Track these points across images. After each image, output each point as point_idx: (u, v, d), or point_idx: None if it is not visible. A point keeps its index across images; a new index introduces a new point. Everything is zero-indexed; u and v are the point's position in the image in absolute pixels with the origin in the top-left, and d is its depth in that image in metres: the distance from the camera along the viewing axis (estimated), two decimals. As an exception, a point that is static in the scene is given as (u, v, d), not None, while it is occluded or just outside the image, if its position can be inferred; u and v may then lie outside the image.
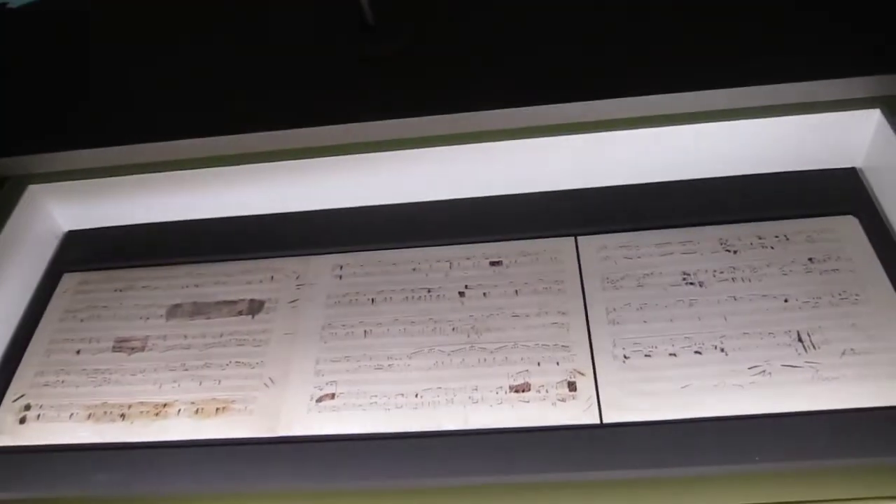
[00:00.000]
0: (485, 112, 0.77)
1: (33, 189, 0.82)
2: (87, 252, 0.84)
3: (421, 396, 0.66)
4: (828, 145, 0.77)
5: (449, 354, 0.69)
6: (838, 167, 0.78)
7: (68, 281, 0.81)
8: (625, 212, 0.77)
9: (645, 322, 0.69)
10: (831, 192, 0.76)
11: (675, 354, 0.66)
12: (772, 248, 0.73)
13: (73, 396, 0.71)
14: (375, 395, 0.67)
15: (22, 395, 0.72)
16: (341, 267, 0.77)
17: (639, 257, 0.74)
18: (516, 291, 0.73)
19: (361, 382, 0.68)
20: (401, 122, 0.78)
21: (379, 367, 0.69)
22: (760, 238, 0.74)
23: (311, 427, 0.66)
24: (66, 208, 0.85)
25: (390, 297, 0.74)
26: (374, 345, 0.70)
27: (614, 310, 0.70)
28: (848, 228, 0.73)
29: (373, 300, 0.74)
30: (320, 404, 0.67)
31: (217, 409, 0.68)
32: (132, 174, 0.81)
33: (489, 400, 0.65)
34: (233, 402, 0.68)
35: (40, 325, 0.77)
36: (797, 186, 0.77)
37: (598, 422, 0.63)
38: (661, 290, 0.71)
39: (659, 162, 0.78)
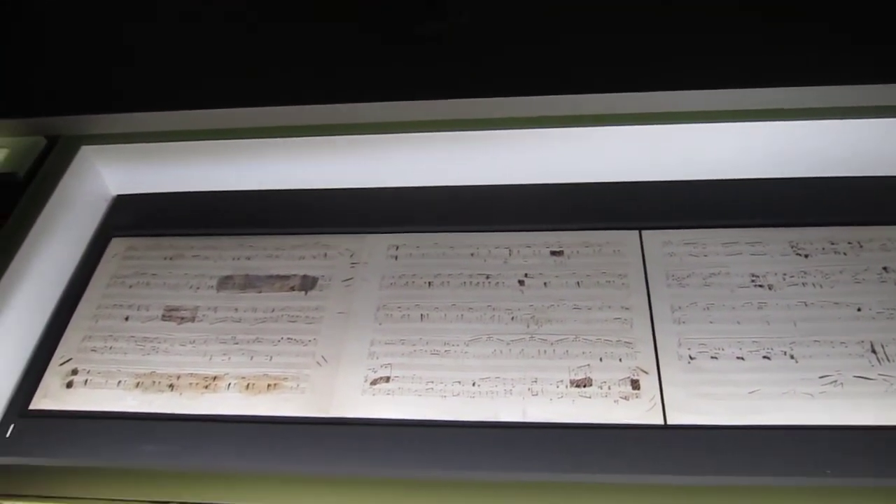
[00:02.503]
0: (553, 97, 0.75)
1: (86, 150, 0.81)
2: (136, 217, 0.82)
3: (478, 385, 0.64)
4: (906, 151, 0.74)
5: (508, 344, 0.67)
6: (915, 174, 0.76)
7: (117, 246, 0.80)
8: (691, 207, 0.75)
9: (711, 322, 0.67)
10: (908, 200, 0.73)
11: (742, 358, 0.64)
12: (844, 254, 0.70)
13: (121, 364, 0.70)
14: (431, 381, 0.65)
15: (69, 360, 0.71)
16: (397, 247, 0.76)
17: (705, 255, 0.72)
18: (578, 283, 0.71)
19: (417, 367, 0.66)
20: (465, 103, 0.76)
21: (435, 353, 0.67)
22: (833, 243, 0.71)
23: (364, 410, 0.64)
24: (117, 172, 0.83)
25: (447, 282, 0.72)
26: (431, 329, 0.69)
27: (679, 308, 0.68)
28: (924, 238, 0.71)
29: (429, 283, 0.72)
30: (374, 387, 0.65)
31: (268, 385, 0.66)
32: (186, 140, 0.79)
33: (549, 393, 0.63)
34: (284, 379, 0.67)
35: (88, 290, 0.76)
36: (872, 192, 0.75)
37: (662, 423, 0.61)
38: (729, 290, 0.69)
39: (729, 158, 0.76)
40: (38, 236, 0.73)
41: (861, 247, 0.71)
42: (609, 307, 0.69)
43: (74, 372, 0.69)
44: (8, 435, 0.66)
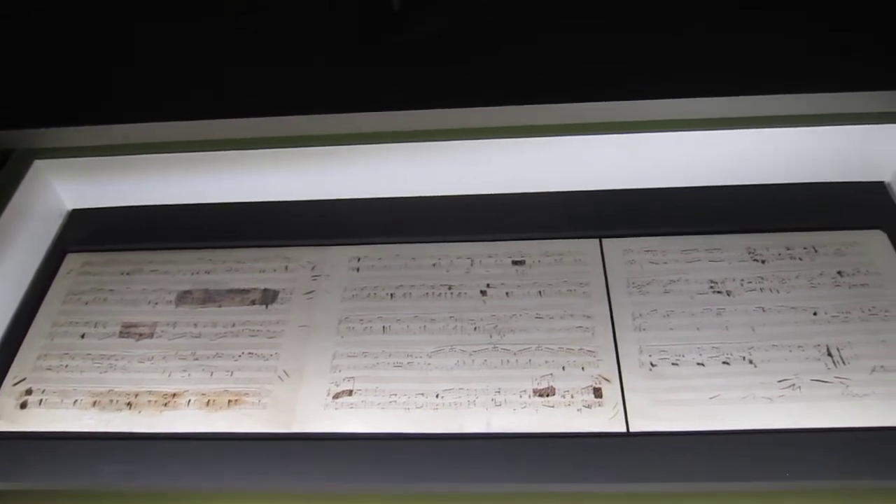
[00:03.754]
0: (512, 107, 0.75)
1: (39, 164, 0.79)
2: (92, 232, 0.81)
3: (442, 397, 0.64)
4: (858, 158, 0.76)
5: (471, 354, 0.67)
6: (867, 180, 0.77)
7: (72, 261, 0.79)
8: (651, 216, 0.76)
9: (671, 329, 0.67)
10: (860, 206, 0.75)
11: (702, 364, 0.65)
12: (800, 259, 0.72)
13: (78, 382, 0.68)
14: (395, 394, 0.65)
15: (23, 379, 0.69)
16: (359, 259, 0.75)
17: (665, 263, 0.72)
18: (540, 292, 0.71)
19: (380, 380, 0.66)
20: (424, 113, 0.76)
21: (398, 365, 0.67)
22: (789, 249, 0.72)
23: (327, 424, 0.64)
24: (71, 186, 0.82)
25: (410, 293, 0.72)
26: (393, 341, 0.68)
27: (640, 315, 0.68)
28: (877, 243, 0.72)
29: (392, 295, 0.72)
30: (337, 401, 0.65)
31: (229, 401, 0.66)
32: (142, 153, 0.78)
33: (513, 403, 0.63)
34: (245, 394, 0.66)
35: (43, 307, 0.75)
36: (826, 198, 0.76)
37: (625, 430, 0.61)
38: (688, 297, 0.69)
39: (687, 166, 0.77)
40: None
41: (816, 252, 0.72)
42: (571, 316, 0.69)
43: (29, 392, 0.68)
44: (-40, 459, 0.64)
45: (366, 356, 0.67)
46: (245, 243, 0.77)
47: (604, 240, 0.74)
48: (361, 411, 0.64)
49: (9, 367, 0.70)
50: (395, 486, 0.60)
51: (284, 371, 0.67)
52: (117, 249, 0.79)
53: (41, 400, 0.67)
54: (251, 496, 0.60)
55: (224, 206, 0.80)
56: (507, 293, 0.71)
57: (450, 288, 0.72)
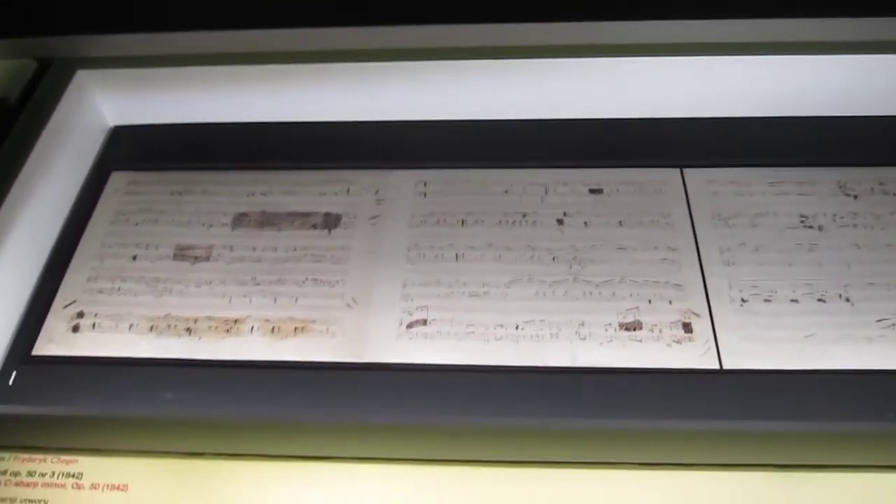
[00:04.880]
0: (592, 23, 0.70)
1: (81, 75, 0.74)
2: (137, 150, 0.76)
3: (522, 329, 0.61)
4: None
5: (550, 285, 0.63)
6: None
7: (118, 180, 0.74)
8: (735, 145, 0.71)
9: (762, 264, 0.64)
10: (958, 140, 0.71)
11: (796, 301, 0.61)
12: (895, 195, 0.68)
13: (132, 306, 0.64)
14: (472, 324, 0.61)
15: (73, 302, 0.65)
16: (425, 184, 0.71)
17: (751, 195, 0.68)
18: (620, 223, 0.67)
19: (455, 309, 0.62)
20: (498, 28, 0.70)
21: (474, 295, 0.63)
22: (882, 184, 0.69)
23: (400, 354, 0.60)
24: (116, 100, 0.77)
25: (482, 220, 0.68)
26: (468, 270, 0.65)
27: (728, 249, 0.65)
28: (976, 179, 0.68)
29: (462, 222, 0.68)
30: (411, 330, 0.61)
31: (295, 328, 0.62)
32: (194, 66, 0.73)
33: (598, 337, 0.60)
34: (313, 322, 0.62)
35: (89, 227, 0.70)
36: (922, 131, 0.72)
37: (717, 367, 0.58)
38: (777, 231, 0.66)
39: (774, 94, 0.72)
40: (33, 169, 0.67)
41: (911, 187, 0.68)
42: (654, 248, 0.65)
43: (80, 315, 0.64)
44: (11, 382, 0.60)
45: (439, 285, 0.64)
46: (303, 165, 0.73)
47: (685, 170, 0.70)
48: (437, 342, 0.61)
49: (57, 289, 0.66)
50: (471, 420, 0.57)
51: (353, 298, 0.63)
52: (166, 169, 0.74)
53: (94, 323, 0.63)
54: (318, 427, 0.57)
55: (280, 126, 0.75)
56: (585, 223, 0.67)
57: (524, 216, 0.68)
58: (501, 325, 0.61)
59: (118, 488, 0.47)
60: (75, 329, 0.63)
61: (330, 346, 0.61)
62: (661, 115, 0.73)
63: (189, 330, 0.62)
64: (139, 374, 0.60)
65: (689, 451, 0.57)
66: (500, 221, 0.68)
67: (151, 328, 0.63)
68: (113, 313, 0.64)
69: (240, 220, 0.69)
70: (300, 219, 0.69)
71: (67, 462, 0.49)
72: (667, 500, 0.52)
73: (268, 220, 0.69)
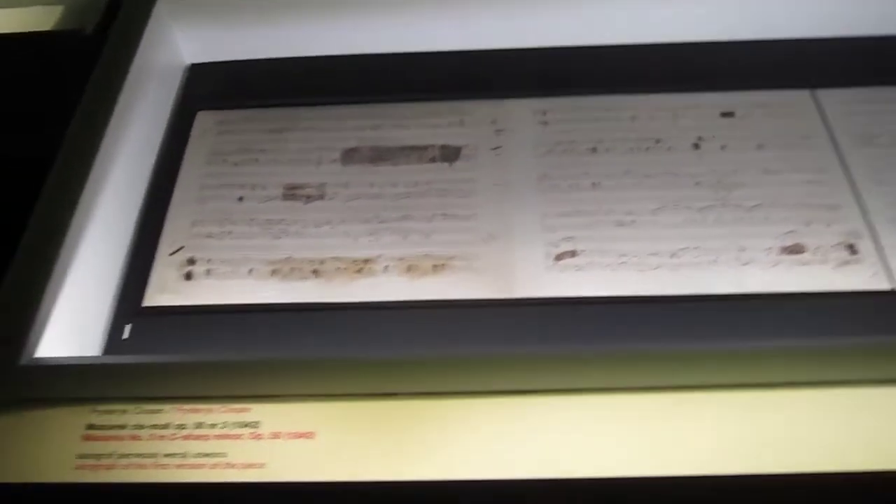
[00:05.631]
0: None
1: (161, 8, 0.68)
2: (223, 88, 0.71)
3: (678, 256, 0.57)
4: None
5: (699, 211, 0.59)
6: None
7: (205, 120, 0.68)
8: (867, 66, 0.68)
9: (916, 183, 0.60)
10: None
11: (959, 217, 0.58)
12: None
13: (248, 250, 0.59)
14: (624, 254, 0.57)
15: (181, 248, 0.60)
16: (544, 113, 0.66)
17: (891, 114, 0.65)
18: (759, 146, 0.63)
19: (603, 239, 0.58)
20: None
21: (620, 224, 0.59)
22: None
23: (552, 288, 0.56)
24: (194, 35, 0.71)
25: (612, 148, 0.64)
26: (608, 198, 0.60)
27: (878, 169, 0.61)
28: None
29: (593, 150, 0.64)
30: (560, 262, 0.57)
31: (433, 266, 0.57)
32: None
33: (760, 262, 0.56)
34: (451, 258, 0.58)
35: (183, 170, 0.65)
36: None
37: (889, 287, 0.55)
38: (924, 148, 0.62)
39: (900, 9, 0.69)
40: (121, 111, 0.61)
41: None
42: (800, 170, 0.62)
43: (191, 262, 0.59)
44: (125, 337, 0.55)
45: (580, 215, 0.59)
46: (411, 97, 0.68)
47: (818, 91, 0.67)
48: (589, 273, 0.56)
49: (159, 236, 0.61)
50: (632, 349, 0.52)
51: (489, 232, 0.59)
52: (258, 106, 0.68)
53: (208, 270, 0.58)
54: (468, 361, 0.52)
55: (384, 57, 0.70)
56: (722, 147, 0.63)
57: (657, 141, 0.64)
58: (655, 254, 0.57)
59: (303, 436, 0.42)
60: (188, 277, 0.58)
61: (475, 283, 0.56)
62: (791, 36, 0.69)
63: (315, 272, 0.58)
64: (266, 320, 0.55)
65: (866, 370, 0.53)
66: (632, 148, 0.64)
67: (273, 272, 0.58)
68: (228, 258, 0.59)
69: (350, 157, 0.64)
70: (416, 153, 0.64)
71: (239, 411, 0.44)
72: (850, 419, 0.49)
73: (380, 156, 0.64)
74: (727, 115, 0.65)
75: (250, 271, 0.58)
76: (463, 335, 0.54)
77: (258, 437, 0.43)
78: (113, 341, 0.55)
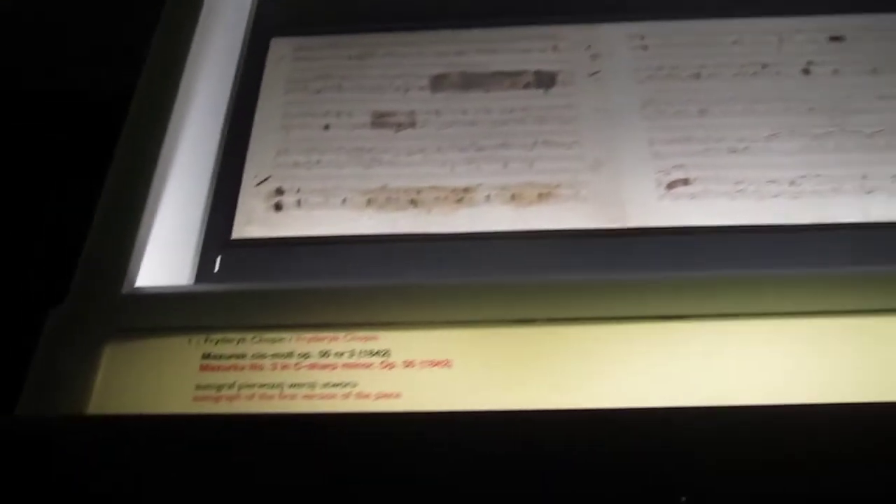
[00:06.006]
0: None
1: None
2: (293, 14, 0.67)
3: (797, 184, 0.54)
4: None
5: (816, 138, 0.56)
6: None
7: (280, 47, 0.65)
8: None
9: None
10: None
11: None
12: None
13: (339, 179, 0.56)
14: (740, 181, 0.54)
15: (267, 178, 0.56)
16: (642, 37, 0.63)
17: None
18: (873, 70, 0.60)
19: (717, 167, 0.55)
20: None
21: (733, 150, 0.56)
22: None
23: (665, 217, 0.53)
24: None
25: (717, 73, 0.60)
26: (717, 125, 0.57)
27: None
28: None
29: (697, 75, 0.60)
30: (672, 191, 0.54)
31: (539, 194, 0.54)
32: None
33: (887, 189, 0.54)
34: (557, 186, 0.54)
35: (262, 99, 0.61)
36: None
37: None
38: None
39: None
40: (199, 40, 0.58)
41: None
42: (918, 95, 0.58)
43: (280, 192, 0.56)
44: (216, 270, 0.52)
45: (690, 141, 0.56)
46: (499, 22, 0.64)
47: (931, 12, 0.63)
48: (705, 202, 0.53)
49: (243, 165, 0.57)
50: (751, 278, 0.50)
51: (596, 160, 0.56)
52: (336, 32, 0.65)
53: (299, 200, 0.55)
54: (613, 285, 0.48)
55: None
56: (834, 71, 0.60)
57: (764, 67, 0.60)
58: (774, 181, 0.54)
59: (440, 364, 0.40)
60: (277, 207, 0.55)
61: (584, 212, 0.53)
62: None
63: (413, 202, 0.55)
64: (366, 252, 0.52)
65: None
66: (738, 74, 0.60)
67: (369, 202, 0.55)
68: (319, 188, 0.56)
69: (439, 83, 0.61)
70: (508, 79, 0.61)
71: (366, 339, 0.41)
72: None
73: (471, 82, 0.61)
74: (836, 39, 0.62)
75: (344, 201, 0.55)
76: (574, 266, 0.51)
77: (390, 366, 0.41)
78: (203, 273, 0.52)
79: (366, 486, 0.36)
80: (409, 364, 0.40)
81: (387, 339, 0.41)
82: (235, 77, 0.63)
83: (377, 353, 0.41)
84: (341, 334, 0.41)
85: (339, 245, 0.53)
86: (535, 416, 0.39)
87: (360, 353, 0.41)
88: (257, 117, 0.60)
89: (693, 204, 0.53)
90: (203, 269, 0.53)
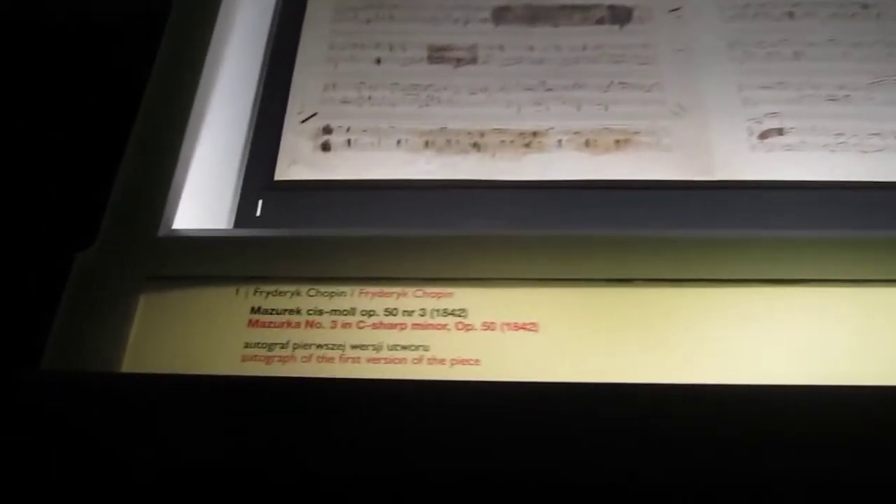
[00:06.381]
0: None
1: None
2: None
3: (904, 138, 0.48)
4: None
5: (924, 87, 0.50)
6: None
7: (326, -29, 0.58)
8: None
9: None
10: None
11: None
12: None
13: (394, 118, 0.51)
14: (840, 133, 0.49)
15: (314, 115, 0.51)
16: (727, -30, 0.56)
17: None
18: None
19: (815, 116, 0.49)
20: None
21: (833, 99, 0.50)
22: None
23: (758, 170, 0.48)
24: None
25: (813, 12, 0.54)
26: (814, 70, 0.52)
27: None
28: None
29: (790, 14, 0.54)
30: (766, 141, 0.48)
31: (616, 141, 0.49)
32: None
33: None
34: (637, 133, 0.49)
35: (306, 28, 0.56)
36: None
37: None
38: None
39: None
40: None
41: None
42: None
43: (327, 130, 0.50)
44: (258, 214, 0.47)
45: (784, 88, 0.51)
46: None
47: None
48: (802, 154, 0.48)
49: (286, 100, 0.52)
50: (848, 239, 0.44)
51: (679, 105, 0.50)
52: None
53: (349, 140, 0.50)
54: (685, 242, 0.43)
55: None
56: (942, 14, 0.54)
57: (865, 7, 0.54)
58: (878, 134, 0.49)
59: (525, 327, 0.35)
60: (325, 147, 0.50)
61: (667, 162, 0.48)
62: None
63: (476, 145, 0.49)
64: (422, 197, 0.47)
65: None
66: (835, 14, 0.54)
67: (427, 144, 0.49)
68: (370, 127, 0.50)
69: (502, 15, 0.55)
70: (579, 13, 0.55)
71: (439, 296, 0.36)
72: None
73: (538, 15, 0.55)
74: (944, -23, 0.56)
75: (399, 142, 0.50)
76: (656, 221, 0.46)
77: (468, 327, 0.35)
78: (243, 218, 0.47)
79: (443, 463, 0.31)
80: (489, 326, 0.35)
81: (463, 297, 0.36)
82: (277, 3, 0.57)
83: (452, 312, 0.36)
84: (410, 289, 0.36)
85: (394, 190, 0.48)
86: (634, 390, 0.34)
87: (433, 311, 0.36)
88: (301, 48, 0.55)
89: (789, 156, 0.48)
90: (243, 214, 0.48)
